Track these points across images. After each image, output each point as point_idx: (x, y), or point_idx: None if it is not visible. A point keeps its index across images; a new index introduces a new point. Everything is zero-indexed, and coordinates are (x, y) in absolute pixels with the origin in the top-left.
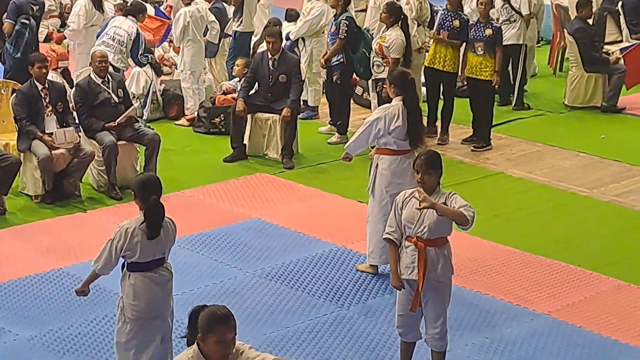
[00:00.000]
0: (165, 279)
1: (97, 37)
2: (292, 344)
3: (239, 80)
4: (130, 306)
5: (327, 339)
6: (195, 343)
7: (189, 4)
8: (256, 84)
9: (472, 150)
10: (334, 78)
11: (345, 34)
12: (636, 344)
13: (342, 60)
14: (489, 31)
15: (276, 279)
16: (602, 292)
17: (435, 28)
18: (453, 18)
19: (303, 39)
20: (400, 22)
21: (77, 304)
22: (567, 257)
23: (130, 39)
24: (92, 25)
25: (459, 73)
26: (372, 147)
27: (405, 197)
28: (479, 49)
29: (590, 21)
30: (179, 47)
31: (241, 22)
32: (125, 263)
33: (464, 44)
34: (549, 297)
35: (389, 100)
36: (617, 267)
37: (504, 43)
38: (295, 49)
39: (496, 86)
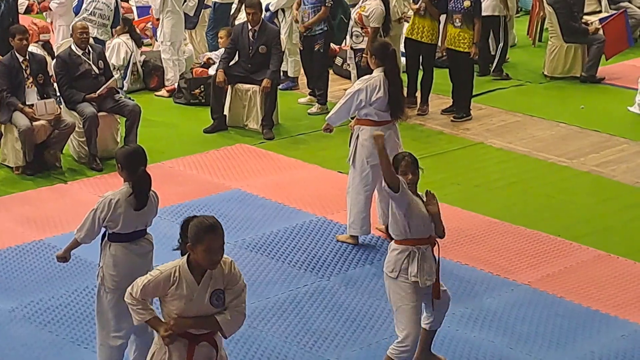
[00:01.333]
0: (146, 250)
1: (75, 12)
2: (272, 314)
3: None
4: (110, 276)
5: (307, 309)
6: (186, 254)
7: None
8: (236, 55)
9: (452, 121)
10: (317, 47)
11: (332, 2)
12: (616, 314)
13: (326, 28)
14: (467, 3)
15: (257, 250)
16: (582, 262)
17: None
18: None
19: (283, 10)
20: None
21: (58, 275)
22: (547, 227)
23: (111, 10)
24: None
25: (439, 44)
26: (352, 118)
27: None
28: (457, 20)
29: None
30: (159, 19)
31: None
32: (107, 233)
33: (445, 15)
34: (529, 267)
35: (368, 71)
36: (597, 237)
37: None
38: (275, 20)
39: (475, 57)
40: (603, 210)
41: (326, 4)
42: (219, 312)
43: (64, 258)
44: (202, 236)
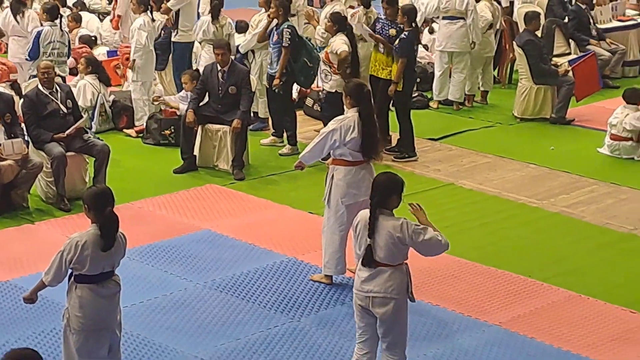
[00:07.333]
0: (112, 292)
1: (31, 57)
2: (243, 355)
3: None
4: (76, 317)
5: (279, 350)
6: None
7: (145, 11)
8: (206, 96)
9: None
10: (275, 88)
11: (289, 42)
12: (587, 355)
13: (283, 70)
14: (397, 42)
15: (227, 291)
16: (553, 302)
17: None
18: (389, 27)
19: (253, 51)
20: (344, 31)
21: (25, 316)
22: (518, 267)
23: (66, 46)
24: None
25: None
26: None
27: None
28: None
29: (538, 33)
30: (134, 59)
31: (177, 33)
32: (73, 274)
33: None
34: (500, 307)
35: (335, 109)
36: (567, 278)
37: None
38: (245, 61)
39: (390, 94)
40: (573, 251)
41: (284, 45)
42: None
43: (31, 300)
44: None
